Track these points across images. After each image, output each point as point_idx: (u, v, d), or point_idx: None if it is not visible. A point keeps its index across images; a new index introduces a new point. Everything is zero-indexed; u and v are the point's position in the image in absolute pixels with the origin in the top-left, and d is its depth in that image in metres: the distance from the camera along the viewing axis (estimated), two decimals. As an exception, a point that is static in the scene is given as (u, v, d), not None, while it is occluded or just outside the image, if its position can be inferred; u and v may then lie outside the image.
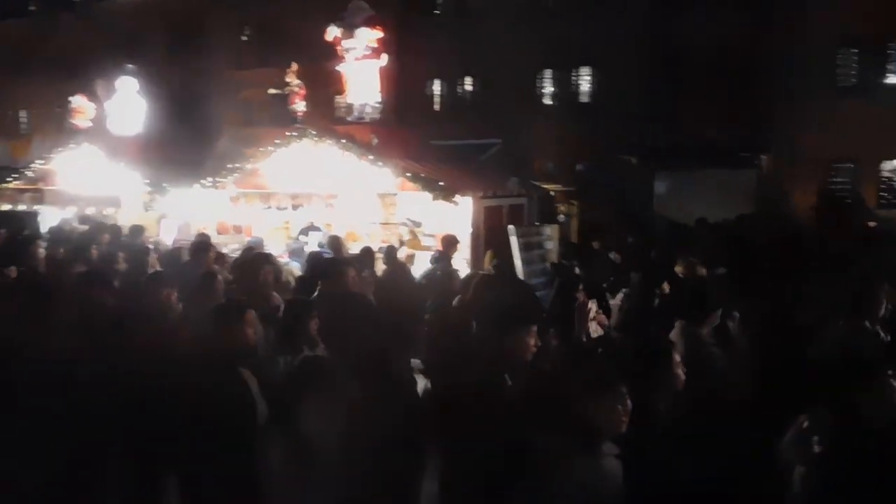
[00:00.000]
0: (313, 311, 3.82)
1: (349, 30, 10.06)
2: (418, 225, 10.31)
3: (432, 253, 8.49)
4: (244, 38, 25.47)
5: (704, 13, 18.62)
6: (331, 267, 5.57)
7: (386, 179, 9.76)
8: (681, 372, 3.16)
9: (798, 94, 18.21)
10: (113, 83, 12.60)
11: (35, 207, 12.43)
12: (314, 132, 10.05)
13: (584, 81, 21.29)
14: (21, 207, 12.32)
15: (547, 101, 21.80)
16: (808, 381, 2.96)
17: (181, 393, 3.04)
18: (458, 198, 9.22)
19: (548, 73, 21.66)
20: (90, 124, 12.98)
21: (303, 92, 10.88)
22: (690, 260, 7.37)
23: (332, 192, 9.83)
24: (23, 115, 29.49)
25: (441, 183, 9.25)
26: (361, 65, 10.20)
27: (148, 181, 11.67)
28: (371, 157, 9.65)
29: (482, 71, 21.99)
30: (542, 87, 21.81)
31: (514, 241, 9.94)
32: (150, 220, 12.27)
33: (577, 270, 8.34)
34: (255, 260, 5.08)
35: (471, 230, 9.66)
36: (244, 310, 3.45)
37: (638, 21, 19.53)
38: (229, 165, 10.86)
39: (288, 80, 10.79)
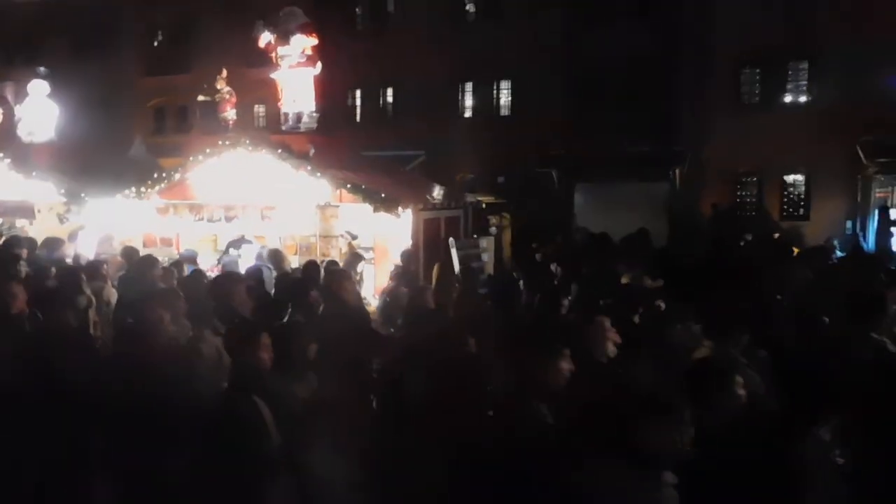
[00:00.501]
0: (312, 334, 3.61)
1: (283, 36, 9.82)
2: (355, 237, 10.16)
3: (392, 269, 8.37)
4: (155, 43, 24.50)
5: (617, 29, 19.36)
6: (332, 280, 5.30)
7: (324, 190, 9.57)
8: (742, 392, 3.00)
9: (706, 110, 19.17)
10: (22, 87, 11.81)
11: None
12: (248, 141, 9.74)
13: (504, 94, 21.63)
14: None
15: (468, 113, 22.02)
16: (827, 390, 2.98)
17: (192, 422, 2.80)
18: (399, 210, 9.12)
19: (468, 85, 21.90)
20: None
21: (234, 99, 10.58)
22: (637, 273, 7.54)
23: (269, 204, 9.53)
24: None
25: (383, 195, 9.13)
26: (296, 73, 9.98)
27: (63, 191, 10.98)
28: (309, 167, 9.43)
29: (402, 82, 22.02)
30: (463, 100, 22.02)
31: (454, 255, 9.98)
32: (62, 232, 11.60)
33: (520, 284, 8.38)
34: (227, 279, 4.72)
35: (411, 243, 9.61)
36: (258, 332, 3.20)
37: (555, 36, 20.06)
38: (155, 175, 10.37)
39: (218, 86, 10.44)
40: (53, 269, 6.56)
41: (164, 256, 9.94)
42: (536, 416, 2.92)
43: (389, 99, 22.79)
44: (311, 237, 9.22)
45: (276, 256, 8.15)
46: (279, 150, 9.58)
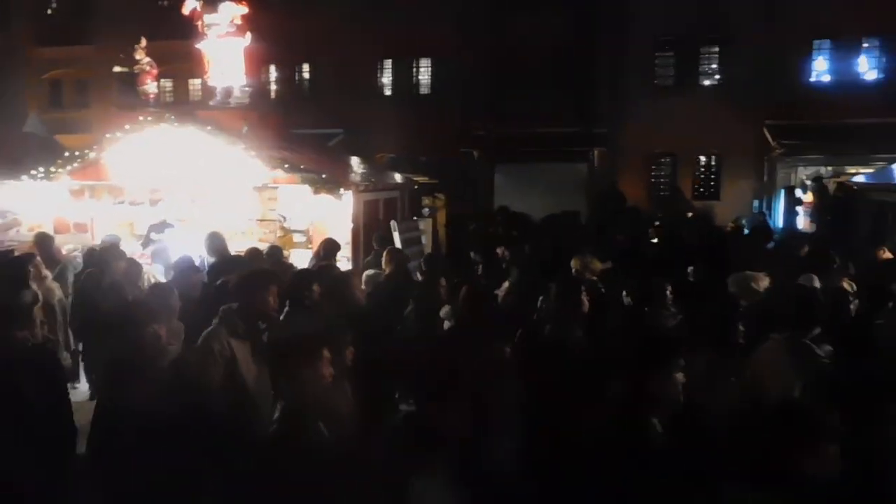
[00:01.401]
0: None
1: (211, 4, 9.17)
2: (284, 219, 9.72)
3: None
4: (49, 11, 22.74)
5: (537, 12, 19.41)
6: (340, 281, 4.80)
7: (258, 171, 9.06)
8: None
9: (622, 92, 19.56)
10: None
11: None
12: (173, 117, 9.07)
13: (424, 74, 21.32)
14: None
15: (387, 92, 21.58)
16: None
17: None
18: (341, 191, 8.75)
19: (388, 63, 21.45)
20: None
21: (154, 71, 9.84)
22: (585, 256, 7.45)
23: (199, 186, 8.92)
24: None
25: (324, 175, 8.73)
26: (225, 43, 9.36)
27: (-42, 170, 9.94)
28: (243, 146, 8.89)
29: (320, 59, 21.34)
30: (383, 78, 21.56)
31: (396, 238, 9.70)
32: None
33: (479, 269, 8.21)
34: (256, 278, 4.01)
35: (351, 226, 9.25)
36: (320, 348, 2.73)
37: (478, 16, 19.90)
38: (66, 154, 9.53)
39: (137, 56, 9.68)
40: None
41: (77, 244, 9.23)
42: (649, 430, 2.66)
43: (306, 76, 22.04)
44: (248, 221, 8.69)
45: (216, 242, 7.60)
46: (208, 128, 8.98)
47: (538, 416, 2.96)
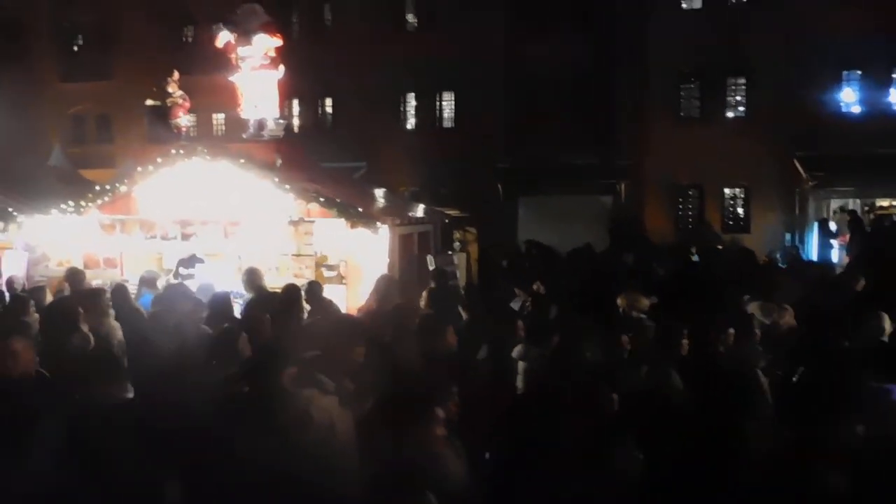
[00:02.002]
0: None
1: (245, 36, 9.06)
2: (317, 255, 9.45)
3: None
4: (75, 47, 22.98)
5: (558, 43, 19.33)
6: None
7: (290, 204, 8.87)
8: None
9: (646, 124, 19.37)
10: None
11: None
12: (205, 150, 8.92)
13: (447, 106, 21.26)
14: None
15: (410, 125, 21.52)
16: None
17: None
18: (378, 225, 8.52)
19: (411, 97, 21.42)
20: None
21: (187, 104, 9.72)
22: (632, 293, 7.14)
23: (234, 220, 8.72)
24: None
25: (360, 209, 8.52)
26: (259, 75, 9.23)
27: (-13, 205, 9.81)
28: (276, 178, 8.71)
29: (342, 93, 21.34)
30: (406, 111, 21.52)
31: (431, 271, 9.45)
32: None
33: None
34: (344, 328, 3.62)
35: (387, 260, 9.01)
36: (434, 404, 2.39)
37: (497, 48, 19.86)
38: (97, 188, 9.38)
39: (169, 90, 9.57)
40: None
41: (106, 280, 9.02)
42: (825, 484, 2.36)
43: (329, 109, 22.04)
44: (283, 256, 8.46)
45: (252, 277, 7.36)
46: (241, 160, 8.81)
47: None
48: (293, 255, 8.39)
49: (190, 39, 22.93)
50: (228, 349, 3.73)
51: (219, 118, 20.85)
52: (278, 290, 7.43)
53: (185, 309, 5.57)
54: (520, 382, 4.17)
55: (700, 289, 8.34)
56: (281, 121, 9.16)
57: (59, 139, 21.17)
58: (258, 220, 8.65)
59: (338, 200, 8.59)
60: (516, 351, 4.26)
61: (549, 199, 20.03)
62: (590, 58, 19.46)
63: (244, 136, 9.37)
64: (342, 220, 8.47)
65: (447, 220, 12.05)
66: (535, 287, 8.86)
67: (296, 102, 21.85)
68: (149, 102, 9.70)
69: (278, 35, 9.26)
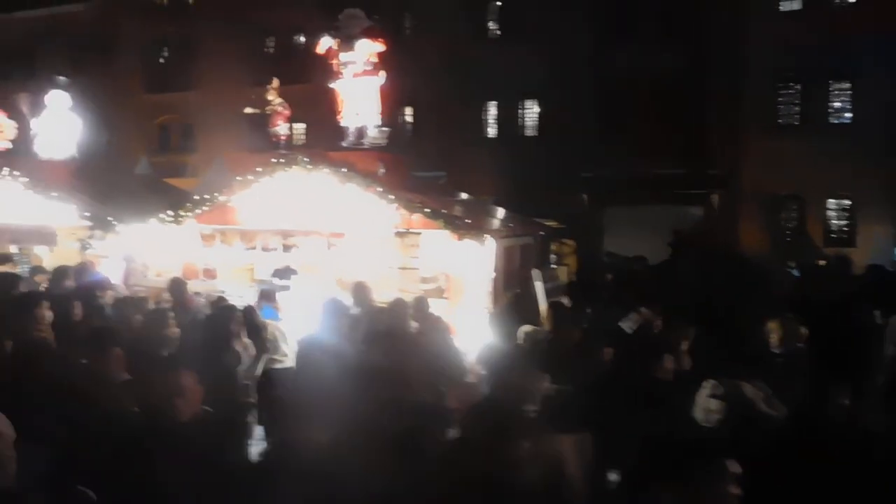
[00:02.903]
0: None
1: (346, 41, 8.77)
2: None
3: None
4: (161, 59, 23.42)
5: (645, 49, 18.63)
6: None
7: (393, 215, 8.50)
8: None
9: (740, 131, 18.43)
10: (40, 98, 10.62)
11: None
12: (307, 159, 8.64)
13: (530, 115, 20.76)
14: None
15: (491, 134, 21.10)
16: None
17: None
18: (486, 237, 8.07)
19: (492, 105, 20.99)
20: (10, 145, 10.92)
21: (287, 112, 9.49)
22: (789, 319, 6.31)
23: (337, 231, 8.40)
24: None
25: (468, 220, 8.09)
26: (360, 82, 8.91)
27: (88, 214, 9.77)
28: (380, 188, 8.35)
29: (423, 102, 21.07)
30: (487, 120, 21.10)
31: (539, 287, 8.94)
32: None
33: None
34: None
35: (493, 275, 8.54)
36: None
37: (582, 55, 19.27)
38: (196, 197, 9.22)
39: (269, 97, 9.35)
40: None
41: (206, 291, 8.82)
42: None
43: (408, 118, 21.80)
44: (388, 269, 8.09)
45: (360, 291, 7.00)
46: (343, 169, 8.48)
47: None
48: (398, 268, 8.00)
49: (271, 50, 23.10)
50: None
51: (298, 127, 20.83)
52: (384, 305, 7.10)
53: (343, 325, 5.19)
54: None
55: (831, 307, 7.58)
56: (385, 128, 8.80)
57: (145, 149, 21.54)
58: (362, 232, 8.29)
59: (444, 211, 8.18)
60: (709, 389, 3.69)
61: (636, 210, 19.24)
62: (679, 64, 18.69)
63: (343, 143, 9.06)
64: (445, 231, 8.03)
65: (542, 233, 11.53)
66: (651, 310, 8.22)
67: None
68: (248, 110, 9.51)
69: (381, 40, 8.93)
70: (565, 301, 8.07)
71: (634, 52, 18.76)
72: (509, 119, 20.88)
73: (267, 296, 7.23)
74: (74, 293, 6.29)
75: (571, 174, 19.40)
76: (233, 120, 22.65)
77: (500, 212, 10.14)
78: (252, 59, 22.64)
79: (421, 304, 6.98)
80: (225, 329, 4.81)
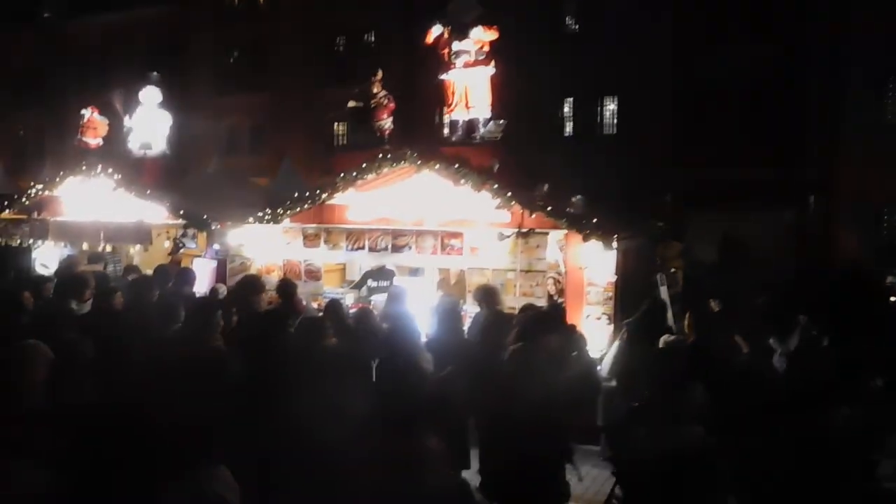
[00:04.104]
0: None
1: (459, 30, 8.23)
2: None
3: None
4: (231, 60, 23.39)
5: (735, 43, 17.72)
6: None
7: (502, 214, 7.93)
8: None
9: (839, 131, 17.33)
10: (133, 94, 10.37)
11: (32, 242, 10.03)
12: (415, 154, 8.12)
13: (609, 114, 19.99)
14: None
15: (568, 131, 20.37)
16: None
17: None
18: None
19: (568, 101, 20.26)
20: (101, 142, 10.69)
21: (392, 105, 9.00)
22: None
23: (453, 230, 7.86)
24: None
25: (595, 220, 7.47)
26: (473, 73, 8.38)
27: (183, 212, 9.42)
28: (496, 186, 7.78)
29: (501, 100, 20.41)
30: (563, 118, 20.38)
31: (664, 293, 8.27)
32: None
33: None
34: None
35: (615, 278, 7.93)
36: None
37: (667, 51, 18.43)
38: (296, 195, 8.78)
39: (374, 90, 8.88)
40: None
41: (311, 293, 8.39)
42: None
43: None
44: (509, 272, 7.51)
45: (489, 295, 6.44)
46: (456, 165, 7.94)
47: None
48: (523, 270, 7.41)
49: (342, 49, 22.83)
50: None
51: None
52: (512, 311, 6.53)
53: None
54: None
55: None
56: (501, 121, 8.24)
57: (216, 150, 21.42)
58: (480, 232, 7.74)
59: (568, 210, 7.57)
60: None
61: (723, 214, 18.29)
62: (771, 61, 17.74)
63: (453, 138, 8.53)
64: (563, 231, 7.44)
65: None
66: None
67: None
68: (351, 104, 9.05)
69: (494, 28, 8.37)
70: (714, 305, 7.43)
71: (723, 49, 17.88)
72: (587, 118, 20.14)
73: (395, 298, 6.72)
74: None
75: (653, 175, 18.57)
76: (301, 121, 22.56)
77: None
78: (322, 59, 22.41)
79: (557, 312, 6.39)
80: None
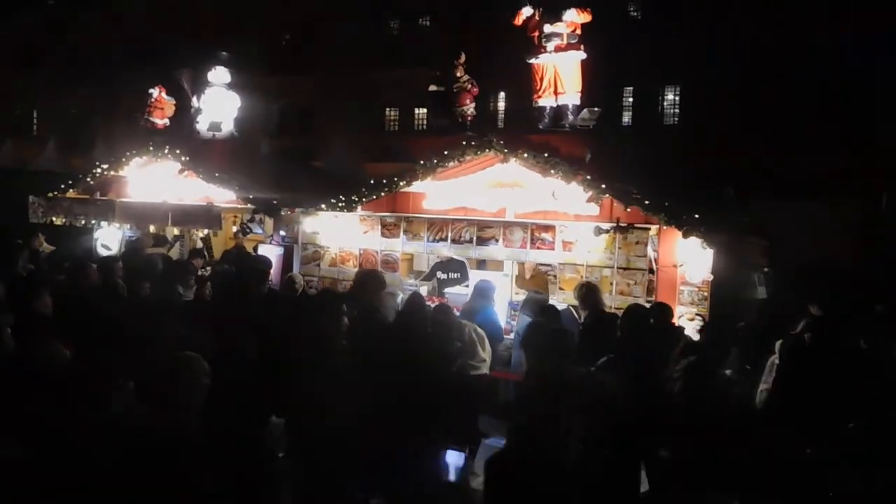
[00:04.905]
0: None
1: (551, 12, 7.79)
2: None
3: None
4: (283, 42, 23.19)
5: (801, 29, 16.97)
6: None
7: (598, 207, 7.53)
8: None
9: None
10: (202, 73, 10.10)
11: (95, 223, 9.83)
12: (502, 142, 7.73)
13: (670, 101, 19.35)
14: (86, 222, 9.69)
15: (627, 120, 19.76)
16: None
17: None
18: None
19: (629, 90, 19.65)
20: (168, 123, 10.46)
21: (475, 90, 8.61)
22: None
23: (543, 223, 7.47)
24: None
25: (696, 216, 7.04)
26: (564, 57, 7.94)
27: (252, 197, 9.15)
28: (588, 177, 7.37)
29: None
30: (624, 106, 19.77)
31: (762, 293, 7.85)
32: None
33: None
34: None
35: (710, 277, 7.49)
36: None
37: (732, 37, 17.73)
38: (372, 181, 8.44)
39: (458, 74, 8.49)
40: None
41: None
42: None
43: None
44: (605, 269, 7.10)
45: (590, 294, 6.05)
46: (545, 155, 7.53)
47: None
48: (620, 267, 7.00)
49: (396, 32, 22.45)
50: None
51: (421, 112, 20.19)
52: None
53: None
54: None
55: None
56: (596, 109, 7.81)
57: (265, 132, 21.21)
58: (576, 226, 7.34)
59: (666, 204, 7.14)
60: None
61: (787, 205, 17.57)
62: (840, 46, 16.97)
63: (539, 125, 8.11)
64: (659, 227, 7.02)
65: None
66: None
67: (502, 95, 20.75)
68: (432, 88, 8.67)
69: (587, 11, 7.92)
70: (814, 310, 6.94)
71: (789, 33, 17.15)
72: (648, 105, 19.53)
73: (483, 293, 6.35)
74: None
75: (715, 164, 17.93)
76: (351, 104, 22.23)
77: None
78: (375, 42, 22.04)
79: (665, 312, 5.97)
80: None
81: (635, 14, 19.56)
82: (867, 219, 17.28)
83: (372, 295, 5.64)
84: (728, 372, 5.31)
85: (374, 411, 3.65)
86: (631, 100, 19.52)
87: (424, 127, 20.71)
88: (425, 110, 20.55)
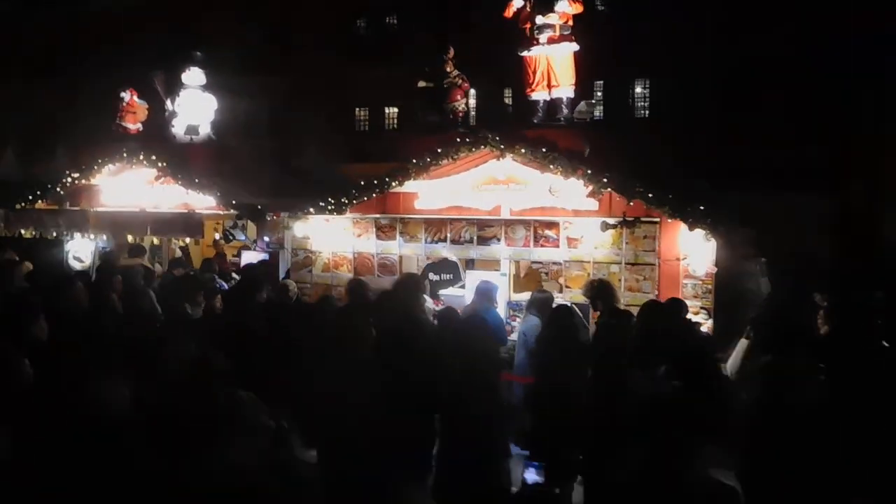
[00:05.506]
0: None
1: (543, 4, 7.60)
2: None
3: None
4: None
5: (781, 19, 17.10)
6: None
7: (597, 202, 7.37)
8: None
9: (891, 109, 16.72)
10: (176, 76, 9.69)
11: (67, 235, 9.36)
12: (498, 137, 7.52)
13: (641, 94, 19.32)
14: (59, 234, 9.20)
15: (597, 114, 19.69)
16: None
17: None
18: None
19: (598, 84, 19.57)
20: (141, 127, 10.02)
21: (466, 85, 8.39)
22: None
23: (547, 220, 7.27)
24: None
25: (701, 207, 6.92)
26: (556, 49, 7.77)
27: (235, 203, 8.79)
28: (589, 171, 7.20)
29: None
30: (593, 99, 19.68)
31: (764, 284, 7.75)
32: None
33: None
34: None
35: (715, 270, 7.42)
36: None
37: (705, 28, 17.78)
38: (362, 183, 8.15)
39: (447, 69, 8.25)
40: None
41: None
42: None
43: (507, 100, 20.56)
44: (612, 265, 6.92)
45: (604, 289, 5.87)
46: (543, 150, 7.34)
47: None
48: (628, 263, 6.84)
49: (363, 29, 22.04)
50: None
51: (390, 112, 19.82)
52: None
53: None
54: None
55: None
56: (593, 101, 7.65)
57: (244, 134, 20.63)
58: (580, 221, 7.16)
59: (670, 196, 7.01)
60: None
61: (760, 197, 17.67)
62: (812, 37, 17.13)
63: (534, 120, 7.92)
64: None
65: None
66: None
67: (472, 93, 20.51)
68: (421, 84, 8.41)
69: (579, 2, 7.75)
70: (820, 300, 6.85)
71: (767, 24, 17.24)
72: (617, 98, 19.48)
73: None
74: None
75: (687, 158, 17.95)
76: (322, 103, 21.74)
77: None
78: (343, 40, 21.60)
79: (680, 309, 5.82)
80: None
81: (602, 8, 19.47)
82: (844, 210, 17.53)
83: (413, 303, 5.38)
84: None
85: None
86: (600, 94, 19.47)
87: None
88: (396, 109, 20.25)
